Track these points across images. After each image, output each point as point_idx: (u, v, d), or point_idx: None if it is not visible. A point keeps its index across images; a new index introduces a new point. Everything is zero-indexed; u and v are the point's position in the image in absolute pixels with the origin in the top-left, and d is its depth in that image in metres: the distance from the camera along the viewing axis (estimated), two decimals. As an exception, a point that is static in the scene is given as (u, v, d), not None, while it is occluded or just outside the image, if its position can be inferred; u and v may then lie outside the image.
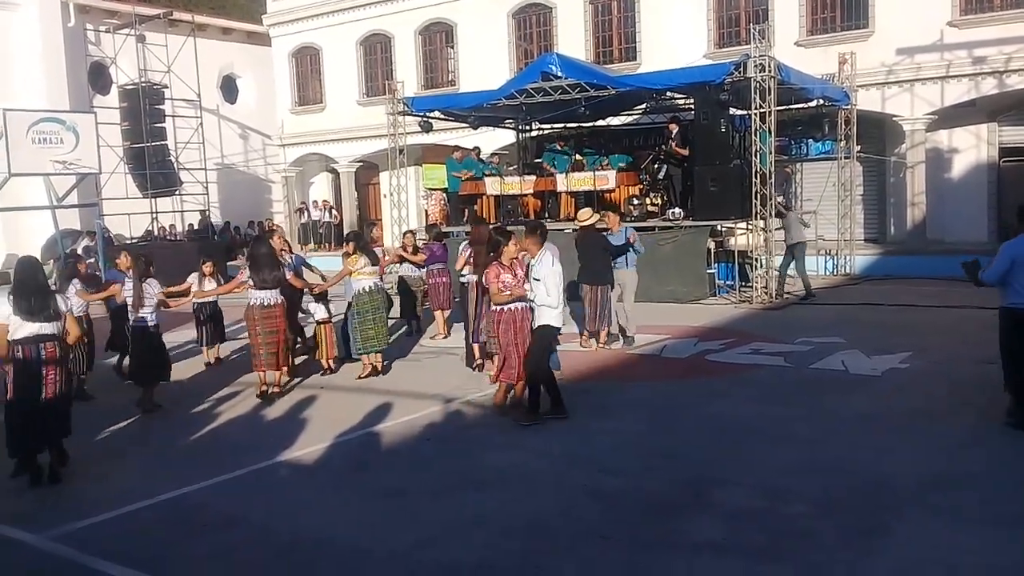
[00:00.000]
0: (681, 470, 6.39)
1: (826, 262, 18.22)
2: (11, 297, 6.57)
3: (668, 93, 17.12)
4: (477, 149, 19.37)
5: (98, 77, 25.41)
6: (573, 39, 22.17)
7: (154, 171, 22.36)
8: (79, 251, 20.64)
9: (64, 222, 21.62)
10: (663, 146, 16.45)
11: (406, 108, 18.25)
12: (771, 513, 5.48)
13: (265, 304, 9.08)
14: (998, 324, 7.13)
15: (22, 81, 22.99)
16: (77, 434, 7.02)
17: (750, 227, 15.04)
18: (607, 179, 16.52)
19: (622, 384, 9.36)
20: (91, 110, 21.53)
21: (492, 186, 17.80)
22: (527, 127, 20.51)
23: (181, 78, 23.54)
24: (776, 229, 14.96)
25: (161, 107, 22.85)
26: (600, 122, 19.21)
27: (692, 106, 16.39)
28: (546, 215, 17.55)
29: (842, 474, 6.13)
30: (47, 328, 6.64)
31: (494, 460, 6.83)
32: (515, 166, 19.85)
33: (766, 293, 14.45)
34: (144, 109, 22.19)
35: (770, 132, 14.35)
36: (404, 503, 5.97)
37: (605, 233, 11.22)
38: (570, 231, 13.22)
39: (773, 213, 14.69)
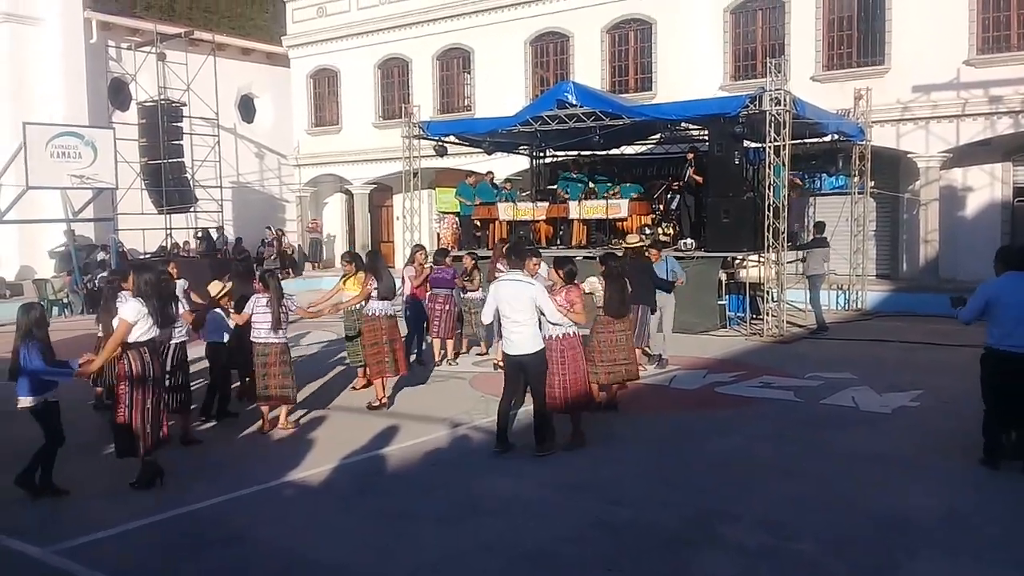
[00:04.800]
0: (689, 503, 6.34)
1: (837, 297, 18.16)
2: (142, 301, 6.85)
3: (683, 124, 17.17)
4: (491, 174, 19.45)
5: (118, 93, 25.69)
6: (589, 67, 22.31)
7: (170, 188, 22.52)
8: (93, 265, 20.89)
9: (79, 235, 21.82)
10: (682, 175, 16.42)
11: (421, 132, 18.36)
12: (781, 549, 5.43)
13: (390, 314, 9.68)
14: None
15: (42, 95, 23.25)
16: (89, 449, 7.01)
17: (762, 259, 15.02)
18: (620, 208, 16.54)
19: (630, 414, 9.30)
20: (110, 126, 21.79)
21: (505, 211, 17.84)
22: (541, 154, 20.60)
23: (200, 96, 23.76)
24: (799, 260, 15.02)
25: (179, 125, 23.04)
26: (614, 151, 19.28)
27: (706, 137, 16.44)
28: (558, 242, 17.57)
29: (853, 511, 6.07)
30: (164, 333, 7.06)
31: (501, 487, 6.79)
32: (528, 192, 19.92)
33: (776, 327, 14.39)
34: (162, 126, 22.39)
35: (784, 165, 14.36)
36: (408, 527, 5.93)
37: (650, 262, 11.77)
38: (581, 258, 13.24)
39: (803, 243, 14.94)
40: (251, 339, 8.72)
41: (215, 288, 9.28)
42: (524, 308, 7.42)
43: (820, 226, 15.58)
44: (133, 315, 6.80)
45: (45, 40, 23.39)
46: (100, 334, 9.19)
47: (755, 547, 5.46)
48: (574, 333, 7.78)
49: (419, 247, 12.98)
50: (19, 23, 22.87)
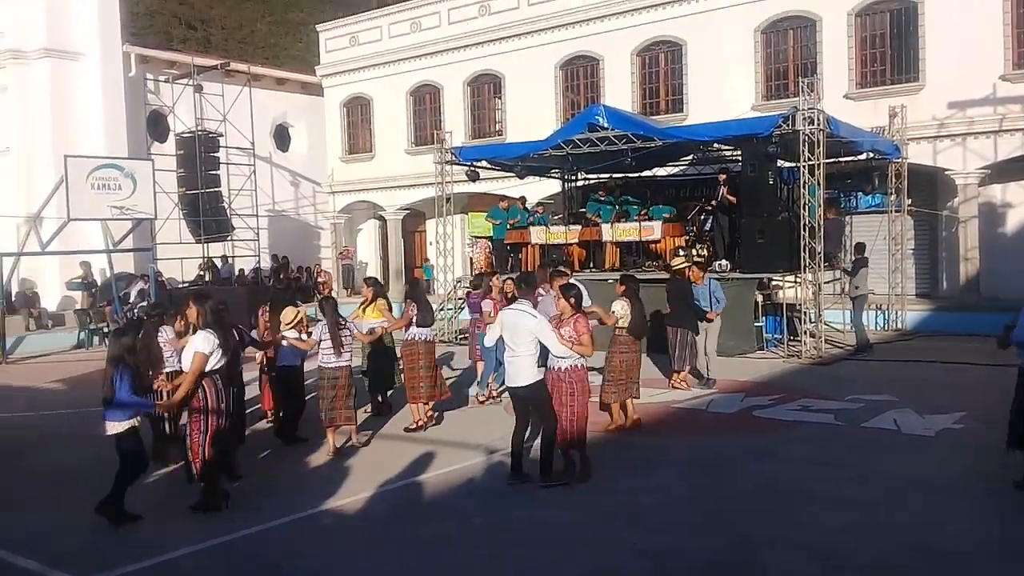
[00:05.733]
0: (729, 530, 6.25)
1: (876, 317, 17.89)
2: (212, 331, 7.07)
3: (715, 145, 17.11)
4: (523, 199, 19.51)
5: (156, 125, 26.17)
6: (620, 90, 22.34)
7: (207, 217, 22.83)
8: (133, 295, 21.20)
9: (119, 266, 22.17)
10: (715, 196, 16.33)
11: (453, 157, 18.48)
12: (823, 579, 5.33)
13: (428, 340, 9.82)
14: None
15: (83, 128, 23.75)
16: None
17: (798, 280, 14.86)
18: (653, 230, 16.48)
19: (667, 439, 9.21)
20: (149, 157, 22.17)
21: (537, 235, 17.86)
22: (573, 177, 20.62)
23: (236, 127, 24.14)
24: (836, 280, 14.86)
25: (216, 155, 23.40)
26: (646, 173, 19.24)
27: (739, 158, 16.36)
28: (591, 265, 17.54)
29: (897, 538, 5.95)
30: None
31: (538, 514, 6.74)
32: (561, 216, 19.92)
33: (815, 348, 14.20)
34: (199, 156, 22.75)
35: (819, 185, 14.23)
36: (446, 556, 5.91)
37: (690, 284, 11.93)
38: (611, 281, 13.22)
39: (847, 267, 15.11)
40: (320, 364, 8.90)
41: (289, 314, 9.47)
42: (523, 340, 7.31)
43: (861, 247, 15.39)
44: (207, 346, 6.92)
45: (85, 74, 23.91)
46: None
47: (797, 574, 5.36)
48: (581, 366, 7.56)
49: (492, 273, 12.93)
50: (60, 58, 23.42)
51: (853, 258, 15.57)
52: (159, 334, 8.50)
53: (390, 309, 10.47)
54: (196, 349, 6.98)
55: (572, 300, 7.62)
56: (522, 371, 7.35)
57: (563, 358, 7.43)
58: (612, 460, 8.05)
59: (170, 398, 7.18)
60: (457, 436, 9.50)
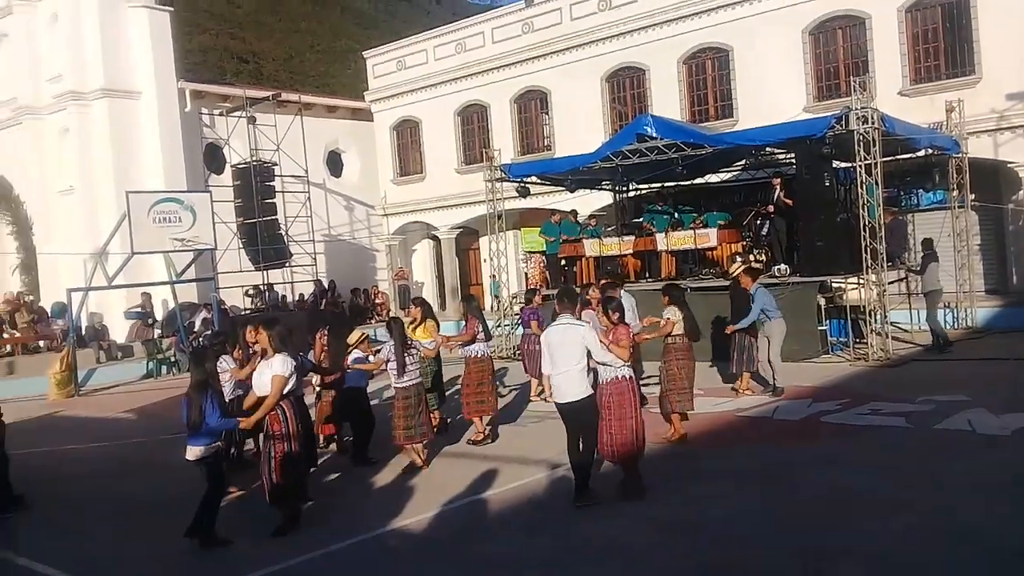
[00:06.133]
0: (797, 540, 6.10)
1: (945, 315, 17.40)
2: (287, 354, 7.22)
3: (768, 149, 16.88)
4: (574, 212, 19.49)
5: (213, 158, 26.78)
6: (668, 99, 22.21)
7: (265, 245, 23.27)
8: (197, 324, 21.67)
9: (182, 296, 22.69)
10: (770, 200, 16.10)
11: (503, 175, 18.54)
12: (902, 587, 5.17)
13: (487, 355, 10.19)
14: None
15: (143, 164, 24.39)
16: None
17: (862, 281, 14.54)
18: (708, 237, 16.32)
19: (731, 448, 9.06)
20: (206, 189, 22.68)
21: (591, 248, 17.81)
22: (624, 188, 20.54)
23: (289, 155, 24.58)
24: (899, 280, 14.53)
25: (271, 184, 23.85)
26: (698, 180, 19.07)
27: (793, 161, 16.11)
28: (646, 275, 17.42)
29: (979, 544, 5.74)
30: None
31: (603, 529, 6.68)
32: (613, 227, 19.84)
33: (882, 350, 13.86)
34: (255, 186, 23.22)
35: (877, 184, 13.94)
36: (513, 574, 5.87)
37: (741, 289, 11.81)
38: (657, 289, 13.14)
39: (913, 265, 15.04)
40: (393, 384, 9.03)
41: (355, 335, 9.60)
42: (571, 352, 7.16)
43: (928, 242, 15.00)
44: (286, 369, 7.04)
45: (143, 112, 24.59)
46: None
47: (875, 585, 5.21)
48: (623, 377, 7.41)
49: (589, 285, 12.82)
50: (117, 98, 24.12)
51: (921, 254, 15.19)
52: (220, 363, 8.64)
53: (438, 329, 10.50)
54: (275, 372, 7.08)
55: (615, 315, 7.55)
56: (570, 385, 7.21)
57: (607, 367, 7.36)
58: (677, 471, 7.94)
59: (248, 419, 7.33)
60: (518, 452, 9.47)
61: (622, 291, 9.26)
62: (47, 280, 24.53)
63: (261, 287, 24.78)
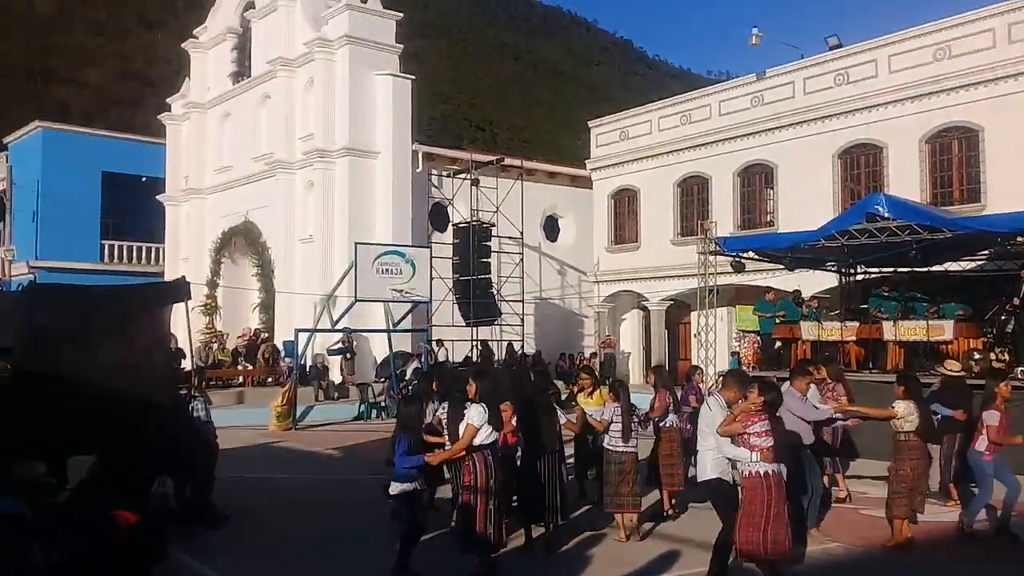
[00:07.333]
0: None
1: None
2: (485, 407, 7.36)
3: (1019, 238, 15.27)
4: (797, 292, 18.53)
5: (437, 216, 28.07)
6: (906, 179, 20.79)
7: (477, 301, 23.93)
8: (408, 373, 22.50)
9: (397, 345, 23.69)
10: (1016, 295, 14.53)
11: (718, 248, 18.01)
12: None
13: (675, 427, 10.07)
14: None
15: (374, 218, 26.00)
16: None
17: None
18: (943, 329, 14.89)
19: (952, 563, 8.03)
20: (428, 245, 23.77)
21: (809, 331, 16.77)
22: (851, 270, 19.29)
23: (508, 217, 25.30)
24: None
25: (488, 243, 24.61)
26: (935, 267, 17.57)
27: (1049, 252, 14.47)
28: (869, 365, 16.15)
29: None
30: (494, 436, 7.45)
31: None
32: (837, 311, 18.62)
33: None
34: (473, 245, 24.03)
35: None
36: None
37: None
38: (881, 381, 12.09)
39: None
40: (604, 446, 8.92)
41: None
42: (703, 433, 7.16)
43: None
44: (479, 419, 7.12)
45: (379, 170, 26.29)
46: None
47: None
48: (757, 473, 6.62)
49: (809, 361, 11.94)
50: (358, 156, 25.93)
51: None
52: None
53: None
54: (468, 421, 7.18)
55: (764, 398, 6.76)
56: (704, 466, 7.12)
57: (736, 460, 6.78)
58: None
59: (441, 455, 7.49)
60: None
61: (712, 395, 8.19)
62: (281, 319, 26.50)
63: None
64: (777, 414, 7.08)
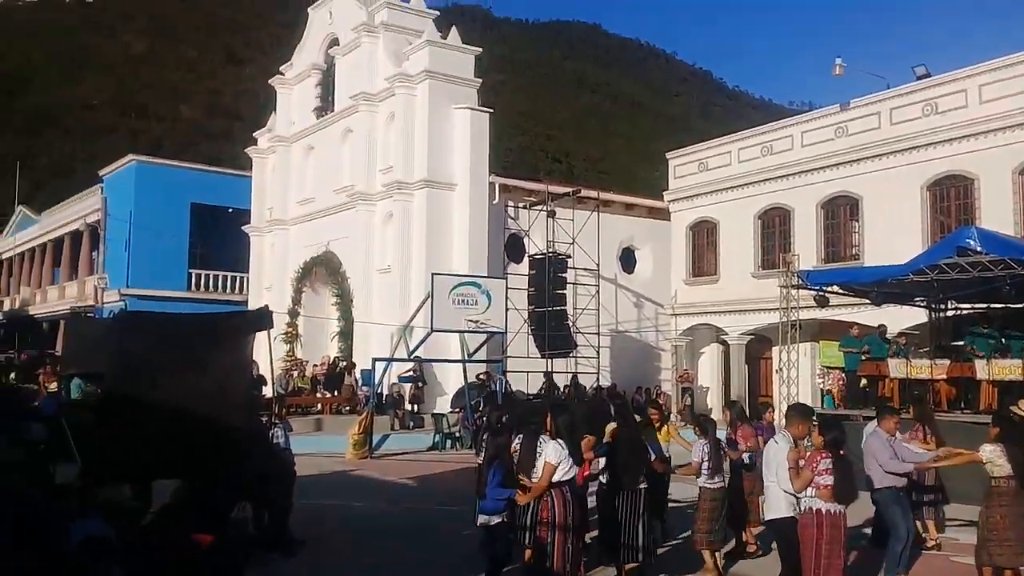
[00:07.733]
0: None
1: None
2: (562, 443, 7.31)
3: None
4: (883, 328, 17.91)
5: (513, 247, 28.16)
6: (999, 212, 20.02)
7: (552, 333, 23.83)
8: (483, 403, 22.48)
9: (472, 375, 23.73)
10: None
11: (800, 282, 17.57)
12: None
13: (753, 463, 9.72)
14: None
15: (451, 249, 26.19)
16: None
17: None
18: (1040, 369, 14.20)
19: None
20: (504, 276, 23.82)
21: (896, 368, 16.17)
22: (941, 306, 18.58)
23: (584, 249, 25.21)
24: None
25: (564, 275, 24.55)
26: (1032, 304, 16.80)
27: None
28: (961, 405, 15.48)
29: None
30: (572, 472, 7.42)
31: None
32: (926, 348, 17.93)
33: None
34: (548, 277, 24.01)
35: None
36: None
37: None
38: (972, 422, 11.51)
39: None
40: (700, 484, 8.81)
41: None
42: (769, 468, 7.07)
43: None
44: (556, 456, 7.07)
45: (456, 202, 26.52)
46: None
47: None
48: (816, 510, 6.56)
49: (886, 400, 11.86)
50: (436, 188, 26.21)
51: None
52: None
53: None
54: (546, 459, 7.13)
55: (822, 438, 6.71)
56: (771, 501, 7.06)
57: (795, 496, 6.76)
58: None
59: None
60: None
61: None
62: (359, 348, 26.83)
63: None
64: (843, 453, 6.86)
